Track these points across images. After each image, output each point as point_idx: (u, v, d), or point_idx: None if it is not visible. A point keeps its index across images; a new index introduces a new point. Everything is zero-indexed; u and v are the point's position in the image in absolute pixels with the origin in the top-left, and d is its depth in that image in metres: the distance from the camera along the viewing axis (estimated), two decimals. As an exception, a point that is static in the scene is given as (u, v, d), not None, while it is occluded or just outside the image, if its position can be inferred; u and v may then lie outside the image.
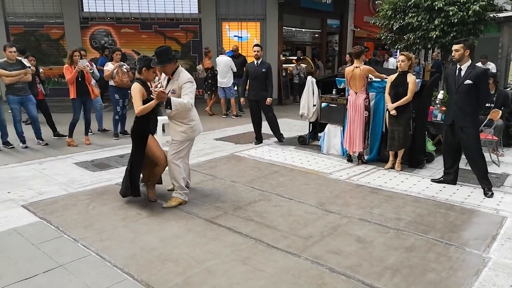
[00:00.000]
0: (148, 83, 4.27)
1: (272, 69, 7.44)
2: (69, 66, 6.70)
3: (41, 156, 6.24)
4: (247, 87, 7.32)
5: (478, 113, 4.83)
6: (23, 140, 6.69)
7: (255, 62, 7.10)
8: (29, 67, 6.61)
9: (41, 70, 8.09)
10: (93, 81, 7.16)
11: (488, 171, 4.83)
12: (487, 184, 4.74)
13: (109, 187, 4.85)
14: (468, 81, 4.62)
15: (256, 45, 7.30)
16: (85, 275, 2.94)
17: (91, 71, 7.10)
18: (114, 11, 12.32)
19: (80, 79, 6.71)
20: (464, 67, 4.68)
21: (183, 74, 4.13)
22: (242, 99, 7.13)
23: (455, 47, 4.70)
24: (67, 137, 7.02)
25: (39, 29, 12.19)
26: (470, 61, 4.69)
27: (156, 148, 4.25)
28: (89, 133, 7.34)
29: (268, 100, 6.98)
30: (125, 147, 6.70)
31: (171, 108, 3.92)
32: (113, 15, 12.35)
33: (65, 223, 3.80)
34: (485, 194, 4.70)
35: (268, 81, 7.04)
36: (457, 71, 4.73)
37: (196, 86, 4.27)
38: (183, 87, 4.07)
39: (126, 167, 4.34)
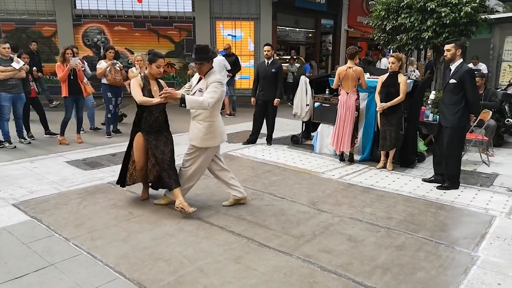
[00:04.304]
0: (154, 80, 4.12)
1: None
2: (61, 64, 6.64)
3: (32, 154, 6.18)
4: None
5: (464, 113, 4.69)
6: (8, 140, 6.55)
7: (266, 61, 6.89)
8: (24, 64, 6.54)
9: (34, 68, 8.02)
10: (85, 79, 7.12)
11: (477, 171, 4.87)
12: (452, 184, 4.79)
13: (101, 186, 4.83)
14: (452, 80, 4.66)
15: (266, 44, 7.06)
16: (76, 274, 2.93)
17: (83, 69, 7.06)
18: (107, 8, 12.26)
19: (72, 77, 6.66)
20: (453, 66, 4.72)
21: (215, 75, 3.97)
22: (252, 99, 7.03)
23: (447, 47, 4.74)
24: (58, 135, 6.96)
25: (31, 26, 12.10)
26: (460, 61, 4.70)
27: (136, 150, 4.10)
28: (81, 132, 7.31)
29: (276, 101, 6.80)
30: (117, 146, 6.67)
31: (185, 106, 3.75)
32: (106, 12, 12.29)
33: (56, 222, 3.78)
34: (440, 186, 4.82)
35: (278, 82, 6.82)
36: (449, 71, 4.81)
37: (225, 90, 4.15)
38: (210, 85, 3.87)
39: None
